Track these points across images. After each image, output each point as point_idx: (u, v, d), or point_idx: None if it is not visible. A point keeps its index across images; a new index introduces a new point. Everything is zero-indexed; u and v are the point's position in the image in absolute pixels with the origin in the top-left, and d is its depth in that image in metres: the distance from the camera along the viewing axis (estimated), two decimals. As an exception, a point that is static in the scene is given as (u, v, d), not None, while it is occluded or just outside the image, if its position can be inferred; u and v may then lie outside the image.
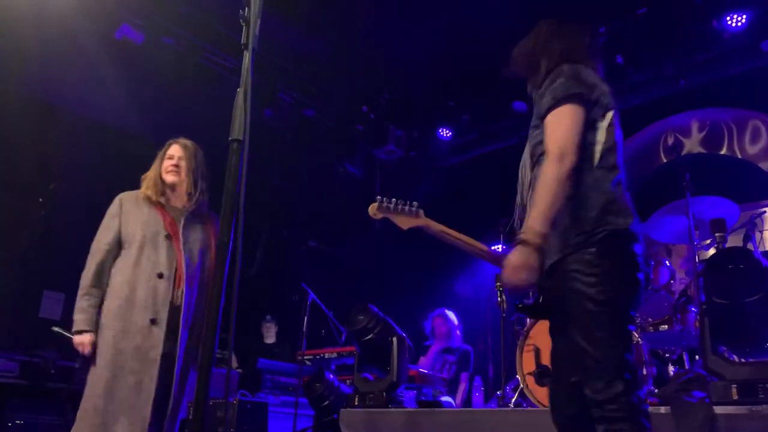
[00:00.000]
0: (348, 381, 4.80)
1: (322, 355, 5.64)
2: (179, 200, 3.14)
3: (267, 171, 7.45)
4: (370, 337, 4.09)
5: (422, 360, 5.59)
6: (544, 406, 3.63)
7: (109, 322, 2.88)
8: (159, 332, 2.88)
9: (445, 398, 4.77)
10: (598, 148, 2.01)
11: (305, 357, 5.41)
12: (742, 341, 3.35)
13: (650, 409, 2.99)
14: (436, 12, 5.71)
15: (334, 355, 5.59)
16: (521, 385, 3.92)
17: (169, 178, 3.12)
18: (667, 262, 4.16)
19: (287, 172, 7.53)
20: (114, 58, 5.67)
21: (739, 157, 5.94)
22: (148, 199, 3.09)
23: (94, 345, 2.88)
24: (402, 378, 4.04)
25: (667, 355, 4.03)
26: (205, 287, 3.02)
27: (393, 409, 3.91)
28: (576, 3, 5.47)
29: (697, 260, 3.67)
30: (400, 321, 4.30)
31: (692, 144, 6.22)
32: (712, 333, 3.07)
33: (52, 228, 5.94)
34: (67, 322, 5.31)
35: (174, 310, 2.94)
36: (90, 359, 2.90)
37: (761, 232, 4.06)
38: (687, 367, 3.96)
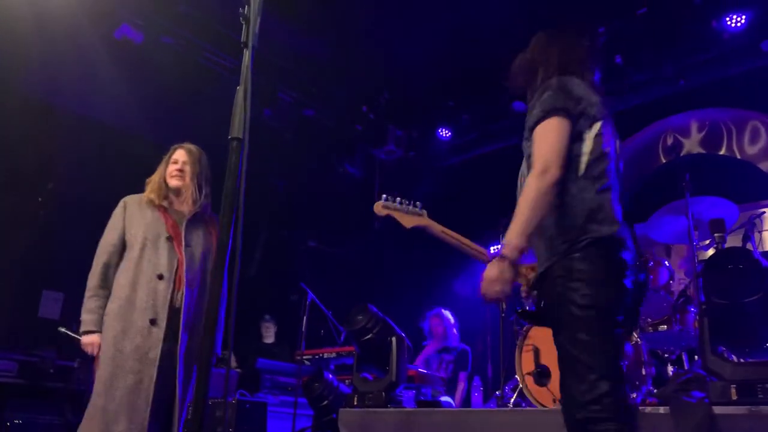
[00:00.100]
0: (347, 381, 4.80)
1: (321, 354, 5.65)
2: (183, 204, 3.18)
3: (266, 171, 7.45)
4: (369, 337, 4.09)
5: (416, 359, 5.59)
6: (543, 406, 3.63)
7: (111, 322, 2.92)
8: (158, 333, 2.91)
9: (444, 398, 4.76)
10: (584, 159, 2.06)
11: (304, 357, 5.41)
12: (742, 341, 3.34)
13: (649, 409, 3.00)
14: (436, 12, 5.71)
15: (333, 354, 5.59)
16: (520, 385, 3.92)
17: (174, 182, 3.17)
18: (666, 262, 4.15)
19: (287, 172, 7.53)
20: (113, 58, 5.67)
21: (739, 157, 5.94)
22: (152, 202, 3.13)
23: (99, 346, 2.95)
24: (401, 378, 4.04)
25: (666, 355, 4.03)
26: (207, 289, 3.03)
27: (392, 409, 3.91)
28: (575, 3, 5.49)
29: (696, 260, 3.67)
30: (400, 321, 4.30)
31: (692, 144, 6.22)
32: (711, 333, 3.07)
33: (51, 227, 5.93)
34: (65, 321, 5.35)
35: (174, 311, 2.98)
36: (93, 359, 2.94)
37: (760, 232, 4.07)
38: (686, 367, 3.96)
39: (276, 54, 6.21)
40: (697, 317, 3.52)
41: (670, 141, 6.26)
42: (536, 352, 3.80)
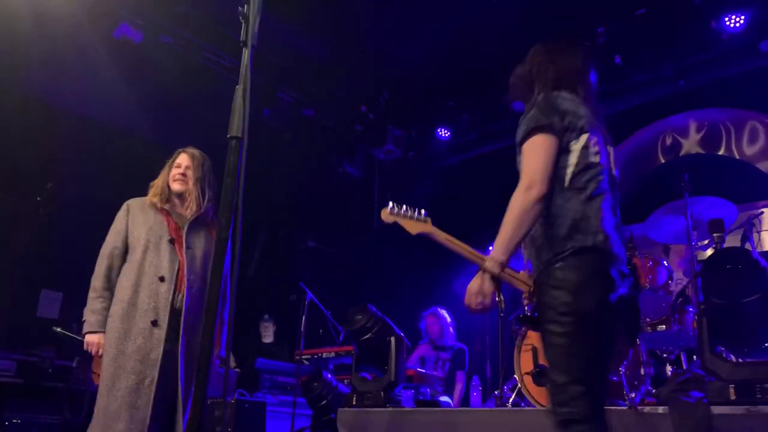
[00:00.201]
0: (346, 380, 4.80)
1: (320, 354, 5.65)
2: (186, 208, 3.21)
3: (265, 170, 7.44)
4: (368, 336, 4.09)
5: (409, 357, 5.59)
6: (542, 405, 3.63)
7: (113, 324, 2.96)
8: (160, 334, 2.95)
9: (443, 398, 4.77)
10: (570, 170, 2.14)
11: (303, 356, 5.41)
12: (740, 341, 3.35)
13: (648, 409, 3.00)
14: (435, 12, 5.71)
15: (332, 354, 5.59)
16: (519, 385, 3.92)
17: (176, 186, 3.19)
18: (664, 262, 4.15)
19: (286, 172, 7.53)
20: (113, 58, 5.67)
21: (737, 157, 5.94)
22: (154, 205, 3.17)
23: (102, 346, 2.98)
24: (400, 377, 4.04)
25: (664, 355, 4.03)
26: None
27: (391, 409, 3.91)
28: (575, 4, 5.49)
29: (695, 260, 3.67)
30: (399, 321, 4.31)
31: (690, 144, 6.23)
32: (710, 333, 3.07)
33: (50, 227, 5.93)
34: (64, 321, 5.35)
35: (175, 312, 3.01)
36: (91, 359, 2.97)
37: (759, 232, 4.07)
38: (685, 367, 3.96)
39: (275, 54, 6.21)
40: (696, 317, 3.52)
41: (669, 141, 6.26)
42: (535, 352, 3.80)
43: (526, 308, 2.50)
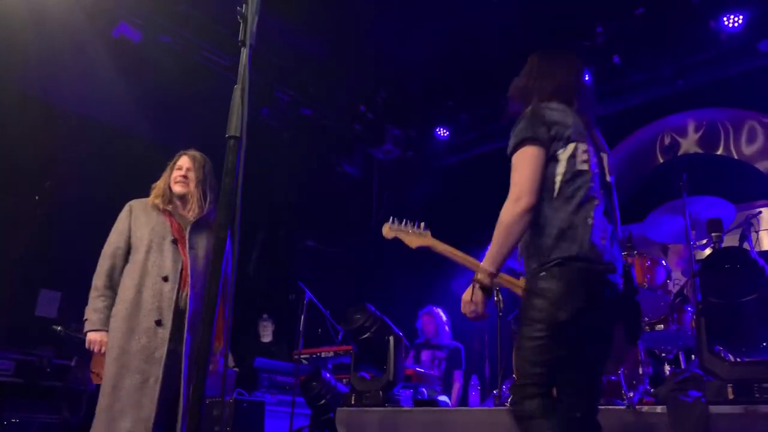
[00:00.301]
0: (345, 380, 4.80)
1: (318, 354, 5.65)
2: (188, 210, 3.24)
3: (264, 170, 7.43)
4: (366, 336, 4.09)
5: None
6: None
7: (117, 324, 2.97)
8: (164, 333, 2.96)
9: (441, 397, 4.77)
10: (558, 180, 2.20)
11: (302, 356, 5.41)
12: (738, 341, 3.35)
13: (646, 408, 3.01)
14: (434, 11, 5.71)
15: (331, 354, 5.59)
16: (518, 385, 3.91)
17: (178, 188, 3.22)
18: (663, 261, 4.15)
19: (284, 171, 7.52)
20: (111, 57, 5.66)
21: (736, 157, 5.95)
22: (157, 207, 3.20)
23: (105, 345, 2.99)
24: (398, 377, 4.04)
25: (663, 354, 4.04)
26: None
27: (389, 408, 3.91)
28: (573, 3, 5.50)
29: (693, 260, 3.67)
30: (397, 320, 4.31)
31: (689, 144, 6.23)
32: (708, 332, 3.08)
33: (48, 226, 5.92)
34: (63, 320, 5.34)
35: (179, 312, 3.03)
36: (89, 358, 2.97)
37: (757, 232, 4.05)
38: (683, 366, 3.96)
39: (274, 53, 6.21)
40: (694, 317, 3.53)
41: (667, 141, 6.27)
42: (533, 352, 3.79)
43: None
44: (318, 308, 5.43)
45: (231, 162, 1.66)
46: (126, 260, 3.10)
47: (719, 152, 6.04)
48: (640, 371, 3.54)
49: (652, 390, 3.40)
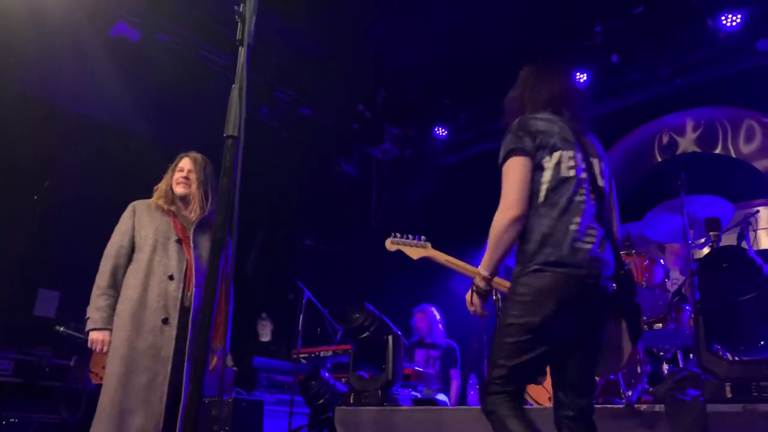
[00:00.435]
0: (343, 379, 4.80)
1: (317, 353, 5.64)
2: (190, 211, 3.27)
3: (263, 169, 7.43)
4: (365, 335, 4.09)
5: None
6: (539, 403, 3.64)
7: (124, 322, 2.98)
8: (171, 331, 2.99)
9: (439, 396, 4.78)
10: (544, 187, 2.29)
11: (301, 355, 5.41)
12: (736, 340, 3.35)
13: (645, 407, 3.01)
14: (433, 11, 5.71)
15: (330, 353, 5.59)
16: (516, 383, 3.91)
17: (179, 189, 3.26)
18: (661, 260, 4.16)
19: (283, 171, 7.52)
20: (110, 56, 5.66)
21: (734, 156, 5.96)
22: (160, 207, 3.23)
23: (109, 344, 2.99)
24: (397, 376, 4.04)
25: (661, 353, 4.04)
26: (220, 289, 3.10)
27: (388, 407, 3.91)
28: (572, 3, 5.50)
29: (691, 259, 3.67)
30: (396, 319, 4.31)
31: (687, 143, 6.24)
32: (707, 331, 3.08)
33: (47, 226, 5.92)
34: (62, 320, 5.34)
35: (184, 310, 3.05)
36: (89, 358, 2.96)
37: (755, 231, 4.06)
38: (681, 365, 3.97)
39: (273, 52, 6.21)
40: (693, 315, 3.53)
41: (665, 140, 6.27)
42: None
43: None
44: (317, 307, 5.43)
45: (229, 161, 1.66)
46: (129, 260, 3.12)
47: (717, 151, 6.05)
48: (639, 370, 3.54)
49: (650, 389, 3.40)
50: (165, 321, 2.99)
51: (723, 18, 5.31)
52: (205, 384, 1.61)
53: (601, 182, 2.39)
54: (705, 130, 6.15)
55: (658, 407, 2.98)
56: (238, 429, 4.56)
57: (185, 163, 3.31)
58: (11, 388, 4.93)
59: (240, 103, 1.70)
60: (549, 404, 3.48)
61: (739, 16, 5.27)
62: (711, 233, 3.84)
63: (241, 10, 1.79)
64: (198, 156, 3.35)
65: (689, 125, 6.26)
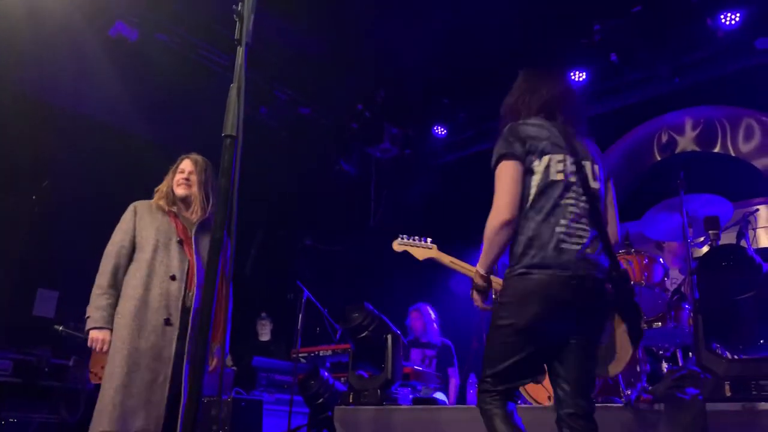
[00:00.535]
0: (343, 378, 4.80)
1: (317, 352, 5.64)
2: (191, 212, 3.28)
3: (262, 169, 7.43)
4: (365, 334, 4.09)
5: None
6: (538, 402, 3.64)
7: (126, 321, 2.97)
8: (172, 332, 3.00)
9: (437, 394, 4.78)
10: (533, 191, 2.36)
11: (300, 355, 5.41)
12: (735, 338, 3.36)
13: (644, 406, 3.01)
14: (432, 10, 5.71)
15: (329, 352, 5.59)
16: (516, 382, 3.91)
17: (180, 191, 3.27)
18: (660, 259, 4.16)
19: (282, 170, 7.52)
20: (108, 55, 5.66)
21: (733, 155, 5.95)
22: (161, 208, 3.24)
23: (109, 343, 2.98)
24: (397, 375, 4.05)
25: (660, 352, 4.03)
26: (219, 289, 3.10)
27: (387, 407, 3.91)
28: (571, 2, 5.50)
29: (690, 258, 3.67)
30: (396, 319, 4.31)
31: (686, 142, 6.24)
32: (706, 330, 3.08)
33: (46, 225, 5.92)
34: (61, 320, 5.34)
35: (185, 311, 3.06)
36: (88, 357, 2.95)
37: (754, 229, 4.06)
38: (680, 364, 3.97)
39: (272, 52, 6.20)
40: (692, 314, 3.53)
41: (664, 138, 6.27)
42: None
43: None
44: (316, 307, 5.43)
45: (227, 161, 1.66)
46: (130, 260, 3.12)
47: (716, 150, 6.05)
48: (638, 369, 3.54)
49: (649, 388, 3.40)
50: (167, 321, 2.99)
51: (722, 17, 5.31)
52: (205, 384, 1.61)
53: (594, 184, 2.42)
54: (704, 128, 6.15)
55: (658, 406, 2.98)
56: (238, 428, 4.55)
57: (186, 164, 3.32)
58: (10, 388, 4.93)
59: (238, 102, 1.70)
60: (549, 403, 3.48)
61: (738, 14, 5.27)
62: (710, 232, 3.84)
63: (239, 9, 1.78)
64: (199, 158, 3.36)
65: (688, 124, 6.26)
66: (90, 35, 5.53)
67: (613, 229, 2.50)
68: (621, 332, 2.50)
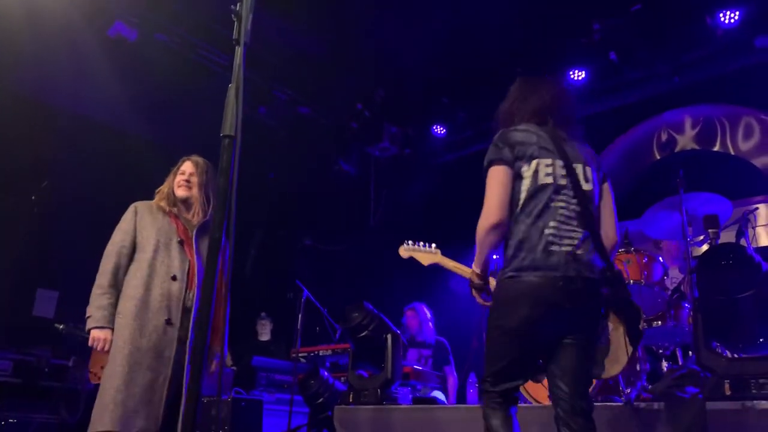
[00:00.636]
0: (343, 378, 4.80)
1: (316, 352, 5.65)
2: (192, 214, 3.29)
3: (261, 168, 7.44)
4: (364, 334, 4.09)
5: None
6: (538, 402, 3.64)
7: (127, 321, 2.97)
8: (173, 332, 3.00)
9: (435, 393, 4.78)
10: (522, 196, 2.41)
11: (300, 354, 5.41)
12: (735, 337, 3.36)
13: (644, 405, 3.01)
14: (431, 10, 5.70)
15: (329, 352, 5.59)
16: (515, 382, 3.91)
17: (181, 192, 3.27)
18: (660, 258, 4.16)
19: (282, 170, 7.52)
20: (107, 56, 5.65)
21: (732, 153, 5.95)
22: (162, 209, 3.25)
23: (110, 342, 2.98)
24: (396, 375, 4.05)
25: (660, 351, 4.04)
26: (218, 290, 3.10)
27: (387, 406, 3.91)
28: (570, 1, 5.49)
29: (690, 256, 3.67)
30: (395, 318, 4.31)
31: (686, 140, 6.24)
32: (705, 329, 3.08)
33: (45, 226, 5.92)
34: (60, 320, 5.34)
35: (186, 311, 3.06)
36: (88, 357, 2.95)
37: (754, 228, 4.06)
38: (680, 363, 3.97)
39: (271, 51, 6.20)
40: (691, 313, 3.53)
41: (664, 137, 6.27)
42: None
43: None
44: (316, 307, 5.43)
45: (225, 161, 1.66)
46: (130, 260, 3.12)
47: (716, 148, 6.05)
48: (638, 368, 3.54)
49: (649, 386, 3.40)
50: (168, 321, 2.99)
51: (721, 15, 5.31)
52: (205, 384, 1.60)
53: (585, 186, 2.45)
54: (703, 127, 6.15)
55: (658, 405, 2.98)
56: (238, 428, 4.55)
57: (187, 166, 3.33)
58: (10, 389, 4.93)
59: (237, 102, 1.70)
60: (549, 402, 3.48)
61: (737, 13, 5.27)
62: (710, 230, 3.84)
63: (237, 9, 1.78)
64: (200, 160, 3.37)
65: (688, 122, 6.26)
66: (89, 35, 5.53)
67: (610, 230, 2.53)
68: (620, 333, 2.49)
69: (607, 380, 3.45)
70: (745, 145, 5.90)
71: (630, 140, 6.54)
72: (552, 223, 2.35)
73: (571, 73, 6.14)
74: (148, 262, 3.06)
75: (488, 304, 2.52)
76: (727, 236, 4.07)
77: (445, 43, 5.87)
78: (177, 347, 2.98)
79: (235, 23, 1.77)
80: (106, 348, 2.96)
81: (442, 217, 6.63)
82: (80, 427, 2.95)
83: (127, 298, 3.02)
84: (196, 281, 3.10)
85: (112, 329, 2.98)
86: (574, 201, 2.40)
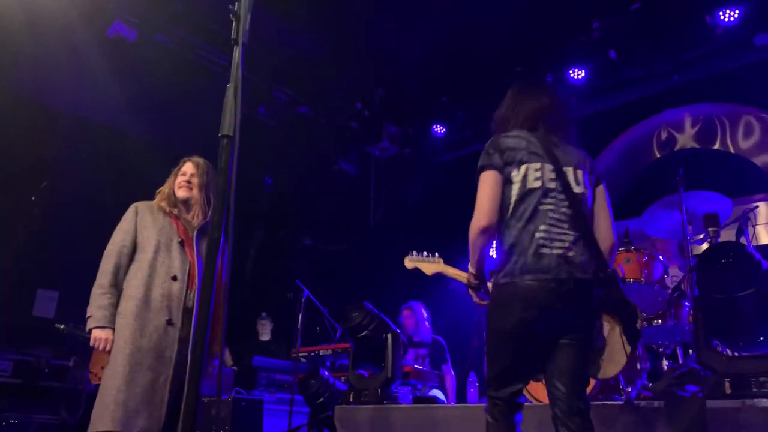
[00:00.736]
0: (343, 378, 4.80)
1: (317, 352, 5.64)
2: (192, 215, 3.29)
3: (261, 168, 7.44)
4: (364, 333, 4.09)
5: None
6: (538, 401, 3.64)
7: (128, 321, 2.97)
8: (174, 332, 3.00)
9: (434, 392, 4.78)
10: (512, 200, 2.46)
11: (300, 354, 5.41)
12: (736, 335, 3.35)
13: (644, 403, 3.01)
14: (431, 9, 5.70)
15: (329, 352, 5.59)
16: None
17: (181, 193, 3.27)
18: (660, 257, 4.15)
19: (281, 170, 7.52)
20: (106, 56, 5.65)
21: (732, 152, 5.95)
22: (163, 209, 3.25)
23: (112, 342, 2.97)
24: (397, 374, 4.04)
25: (660, 349, 4.04)
26: (217, 291, 3.10)
27: (388, 406, 3.91)
28: (570, 1, 5.49)
29: (690, 255, 3.67)
30: (395, 318, 4.30)
31: (685, 139, 6.23)
32: (706, 327, 3.08)
33: (45, 226, 5.92)
34: (60, 320, 5.34)
35: (187, 311, 3.06)
36: (89, 357, 2.94)
37: (754, 226, 4.05)
38: (680, 361, 3.97)
39: (270, 51, 6.19)
40: (692, 312, 3.53)
41: (664, 136, 6.27)
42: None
43: None
44: (316, 306, 5.43)
45: (224, 161, 1.66)
46: (131, 260, 3.12)
47: (716, 147, 6.04)
48: (638, 366, 3.54)
49: (649, 385, 3.40)
50: (169, 322, 2.99)
51: (721, 13, 5.31)
52: (205, 384, 1.60)
53: (577, 189, 2.47)
54: (703, 125, 6.14)
55: (658, 403, 2.98)
56: (238, 428, 4.55)
57: (188, 167, 3.33)
58: (10, 389, 4.93)
59: (235, 102, 1.70)
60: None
61: (736, 11, 5.27)
62: (710, 229, 3.84)
63: (235, 8, 1.78)
64: (200, 161, 3.37)
65: (688, 121, 6.25)
66: (89, 36, 5.53)
67: (606, 231, 2.54)
68: (616, 333, 2.50)
69: (608, 379, 3.45)
70: (745, 144, 5.89)
71: (630, 139, 6.54)
72: (542, 227, 2.39)
73: (570, 71, 6.14)
74: (148, 263, 3.06)
75: (485, 303, 2.56)
76: (727, 235, 4.07)
77: (444, 42, 5.87)
78: (178, 347, 2.98)
79: (234, 23, 1.77)
80: (107, 348, 2.96)
81: (442, 217, 6.63)
82: (80, 427, 2.95)
83: (128, 298, 3.02)
84: (196, 282, 3.10)
85: (114, 329, 2.98)
86: (565, 204, 2.43)
